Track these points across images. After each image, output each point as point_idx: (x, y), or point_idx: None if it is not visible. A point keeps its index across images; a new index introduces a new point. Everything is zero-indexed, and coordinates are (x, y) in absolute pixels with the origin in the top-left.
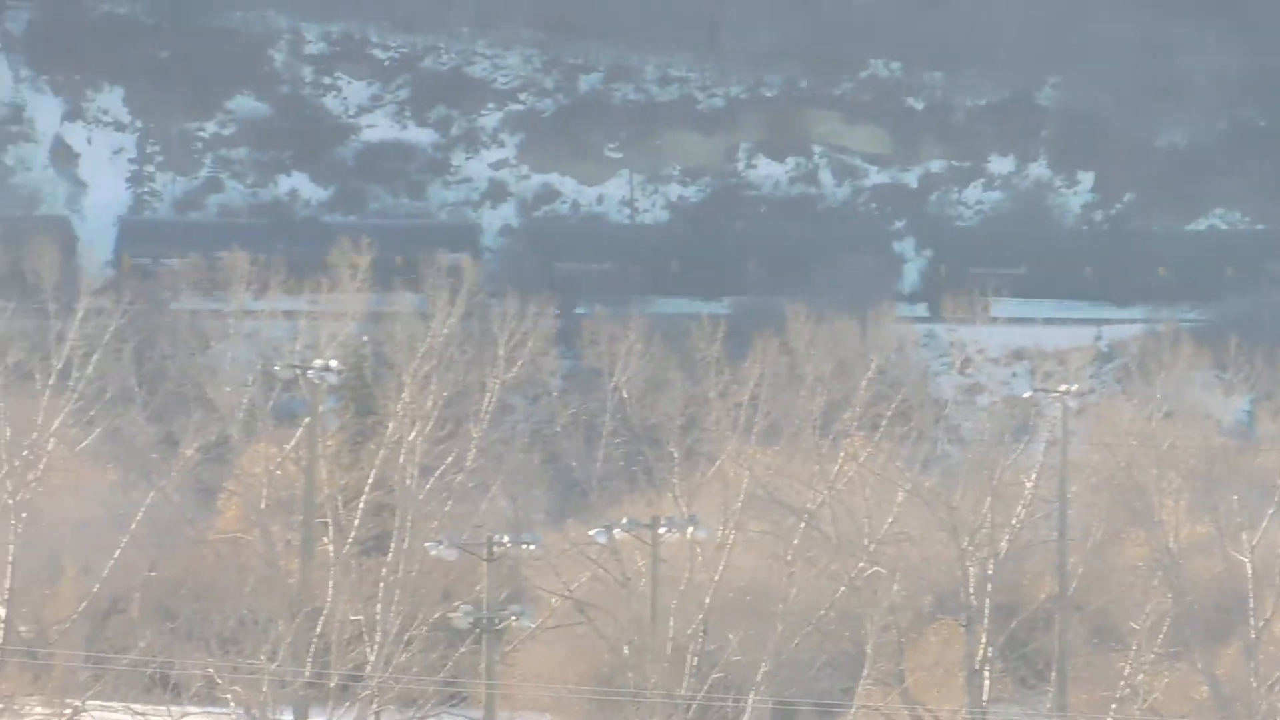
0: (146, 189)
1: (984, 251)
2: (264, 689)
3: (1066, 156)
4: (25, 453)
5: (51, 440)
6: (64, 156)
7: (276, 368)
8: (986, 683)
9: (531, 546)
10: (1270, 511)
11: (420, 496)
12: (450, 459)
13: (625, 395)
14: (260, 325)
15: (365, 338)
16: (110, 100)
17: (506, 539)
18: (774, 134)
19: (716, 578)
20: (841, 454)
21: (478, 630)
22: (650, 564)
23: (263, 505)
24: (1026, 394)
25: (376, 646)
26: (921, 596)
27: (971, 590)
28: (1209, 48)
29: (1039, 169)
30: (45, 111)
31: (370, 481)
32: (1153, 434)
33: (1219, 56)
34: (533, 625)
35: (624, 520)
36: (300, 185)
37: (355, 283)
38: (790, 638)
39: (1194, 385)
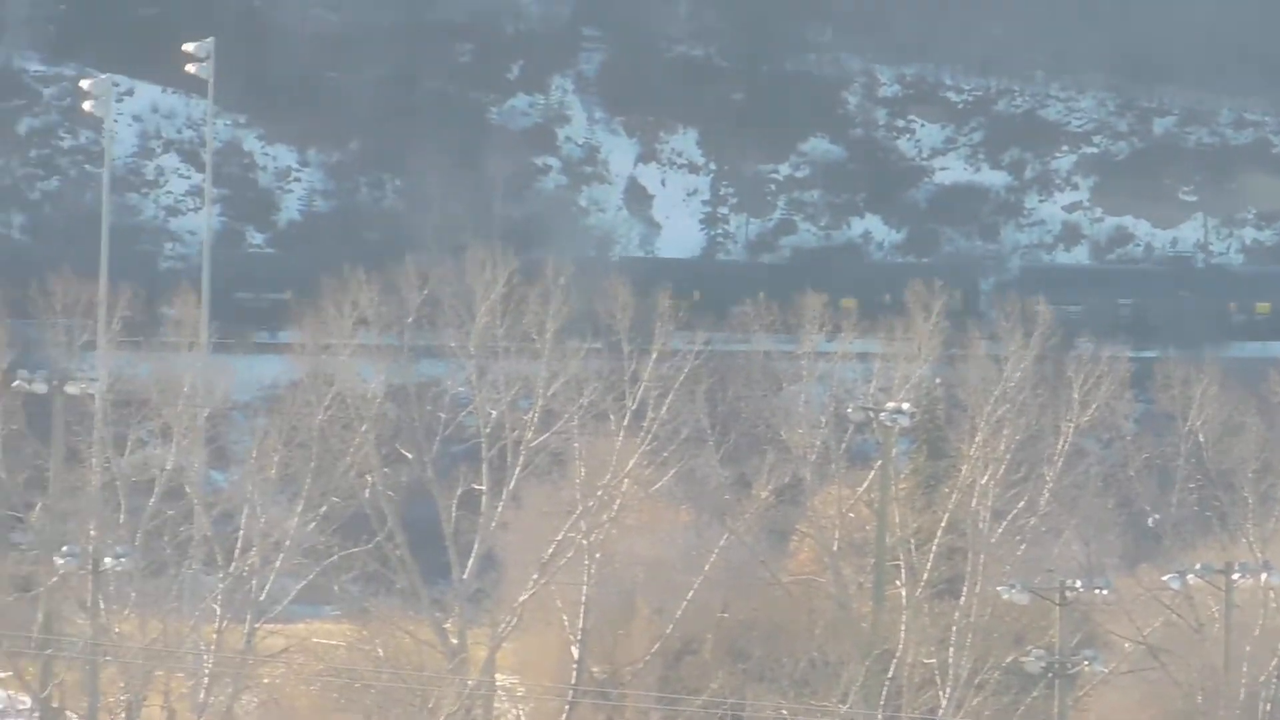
0: (720, 230)
1: None
2: None
3: None
4: (599, 493)
5: (625, 481)
6: (638, 198)
7: (849, 410)
8: None
9: (1104, 591)
10: None
11: (992, 540)
12: (1023, 503)
13: (1201, 439)
14: (833, 367)
15: (938, 380)
16: (684, 142)
17: (1079, 583)
18: None
19: None
20: None
21: (1050, 675)
22: (1224, 610)
23: (835, 547)
24: None
25: (948, 690)
26: None
27: None
28: None
29: None
30: (620, 153)
31: (943, 525)
32: None
33: None
34: (1105, 670)
35: (1197, 566)
36: (873, 227)
37: (928, 325)
38: None
39: None
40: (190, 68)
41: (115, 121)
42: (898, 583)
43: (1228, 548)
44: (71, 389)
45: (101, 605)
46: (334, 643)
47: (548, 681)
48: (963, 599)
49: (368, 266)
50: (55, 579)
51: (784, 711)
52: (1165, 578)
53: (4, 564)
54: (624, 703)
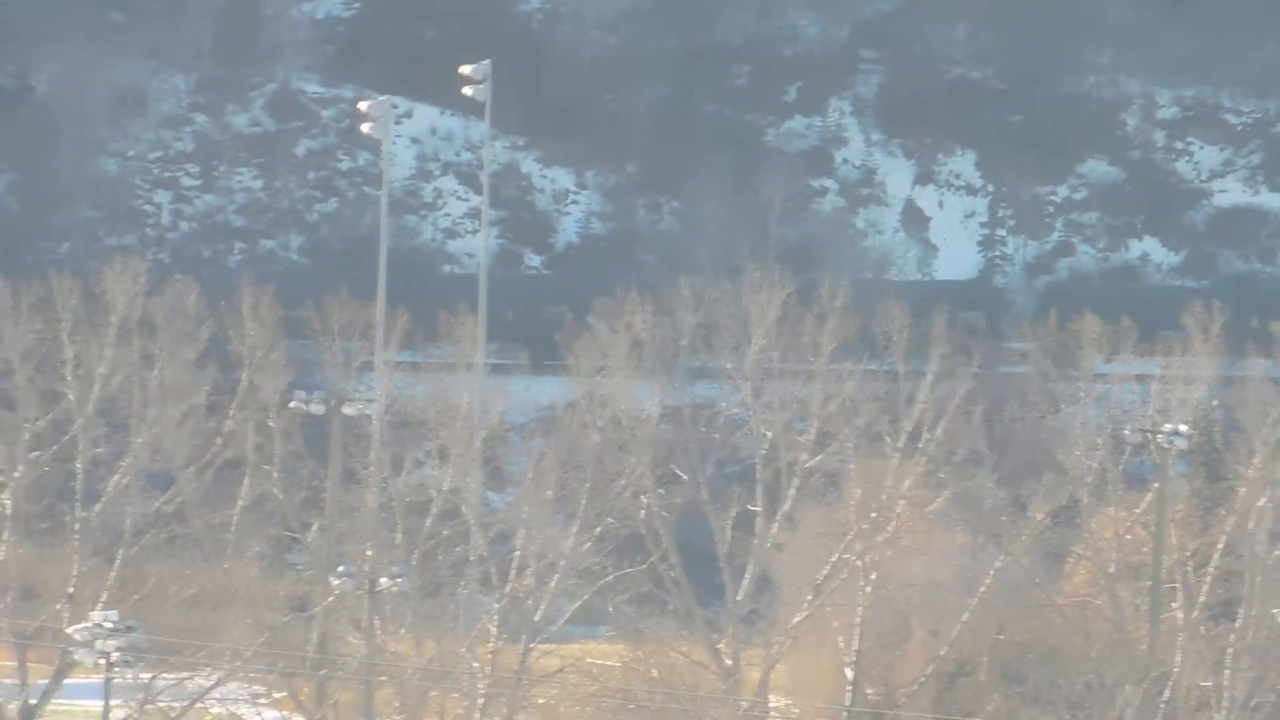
0: (997, 253)
1: None
2: None
3: None
4: (874, 514)
5: (900, 502)
6: (915, 220)
7: (1126, 432)
8: None
9: None
10: None
11: (1269, 562)
12: None
13: None
14: (1111, 389)
15: (1216, 402)
16: (962, 164)
17: None
18: None
19: None
20: None
21: None
22: None
23: (1111, 570)
24: None
25: (1224, 713)
26: None
27: None
28: None
29: None
30: (897, 175)
31: (1220, 547)
32: None
33: None
34: None
35: None
36: (1151, 249)
37: (1206, 347)
38: None
39: None
40: (468, 90)
41: (393, 144)
42: (1174, 605)
43: None
44: (349, 410)
45: (377, 626)
46: (608, 663)
47: (821, 703)
48: (1239, 621)
49: (643, 288)
50: (331, 599)
51: None
52: None
53: (280, 584)
54: None
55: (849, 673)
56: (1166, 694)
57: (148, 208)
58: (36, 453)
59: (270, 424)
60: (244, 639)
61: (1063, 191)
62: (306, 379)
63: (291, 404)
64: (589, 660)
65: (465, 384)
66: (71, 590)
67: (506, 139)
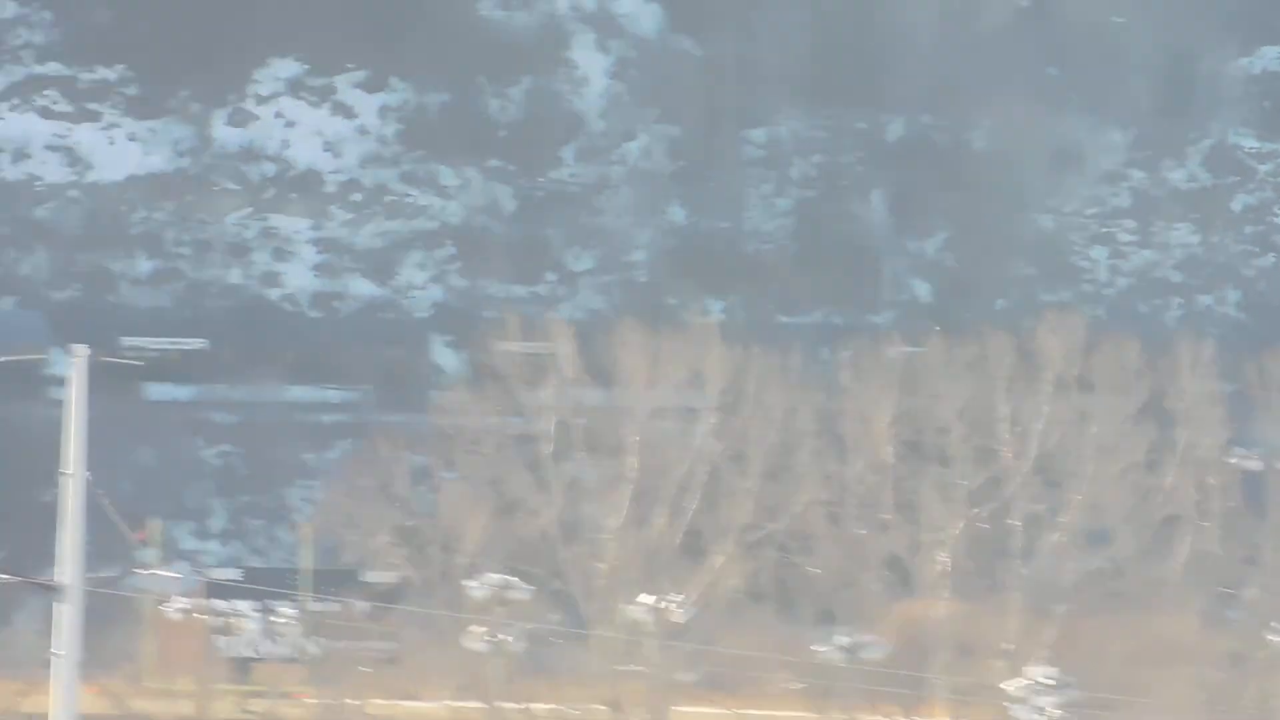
0: None
1: None
2: None
3: None
4: None
5: None
6: None
7: None
8: None
9: None
10: None
11: None
12: None
13: None
14: None
15: None
16: None
17: None
18: None
19: None
20: None
21: None
22: None
23: None
24: None
25: None
26: None
27: None
28: None
29: None
30: None
31: None
32: None
33: None
34: None
35: None
36: None
37: None
38: None
39: None
40: None
41: None
42: None
43: None
44: None
45: None
46: None
47: None
48: None
49: None
50: (1266, 653)
51: None
52: None
53: (1218, 640)
54: None
55: None
56: None
57: (1083, 264)
58: (973, 510)
59: (1209, 480)
60: (1181, 695)
61: None
62: (1245, 434)
63: (1231, 460)
64: None
65: None
66: (1009, 646)
67: None
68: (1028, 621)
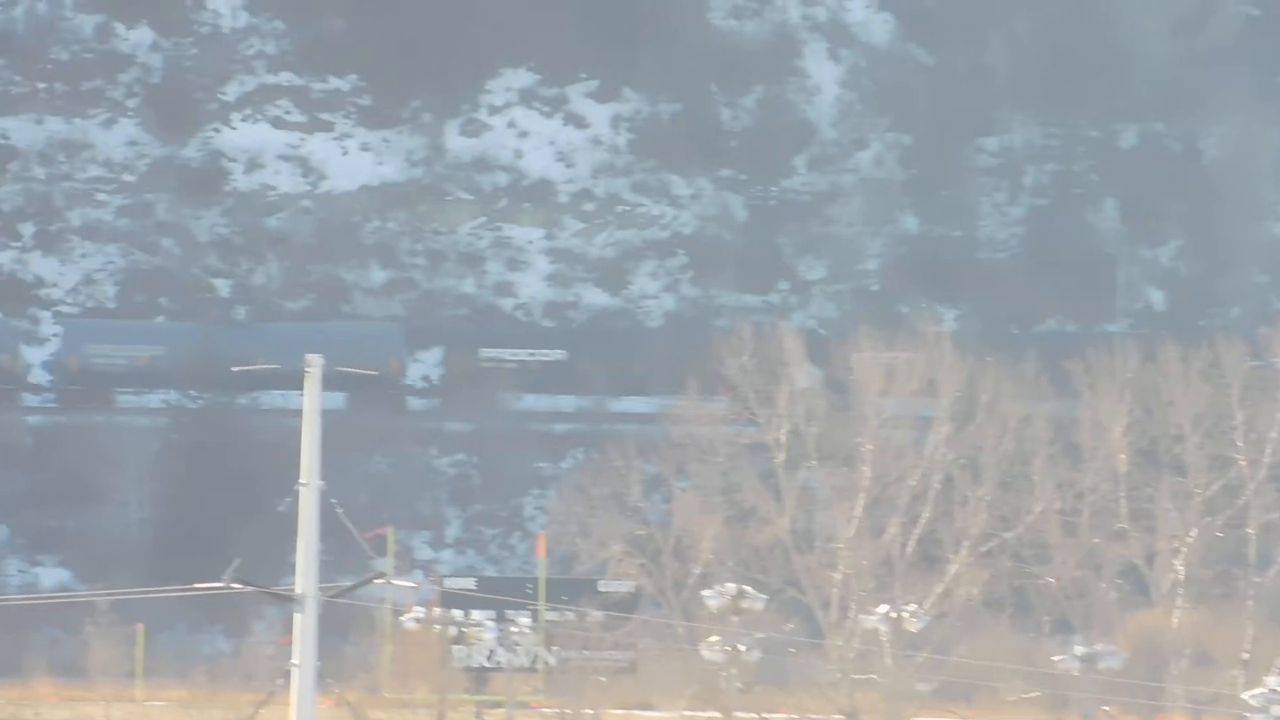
0: None
1: None
2: None
3: None
4: None
5: None
6: None
7: None
8: None
9: None
10: None
11: None
12: None
13: None
14: None
15: None
16: None
17: None
18: None
19: None
20: None
21: None
22: None
23: None
24: None
25: None
26: None
27: None
28: None
29: None
30: None
31: None
32: None
33: None
34: None
35: None
36: None
37: None
38: None
39: None
40: None
41: None
42: None
43: None
44: None
45: None
46: None
47: None
48: None
49: None
50: None
51: None
52: None
53: None
54: None
55: None
56: None
57: None
58: (1208, 518)
59: None
60: None
61: None
62: None
63: None
64: None
65: None
66: (1246, 655)
67: None
68: (1265, 630)
